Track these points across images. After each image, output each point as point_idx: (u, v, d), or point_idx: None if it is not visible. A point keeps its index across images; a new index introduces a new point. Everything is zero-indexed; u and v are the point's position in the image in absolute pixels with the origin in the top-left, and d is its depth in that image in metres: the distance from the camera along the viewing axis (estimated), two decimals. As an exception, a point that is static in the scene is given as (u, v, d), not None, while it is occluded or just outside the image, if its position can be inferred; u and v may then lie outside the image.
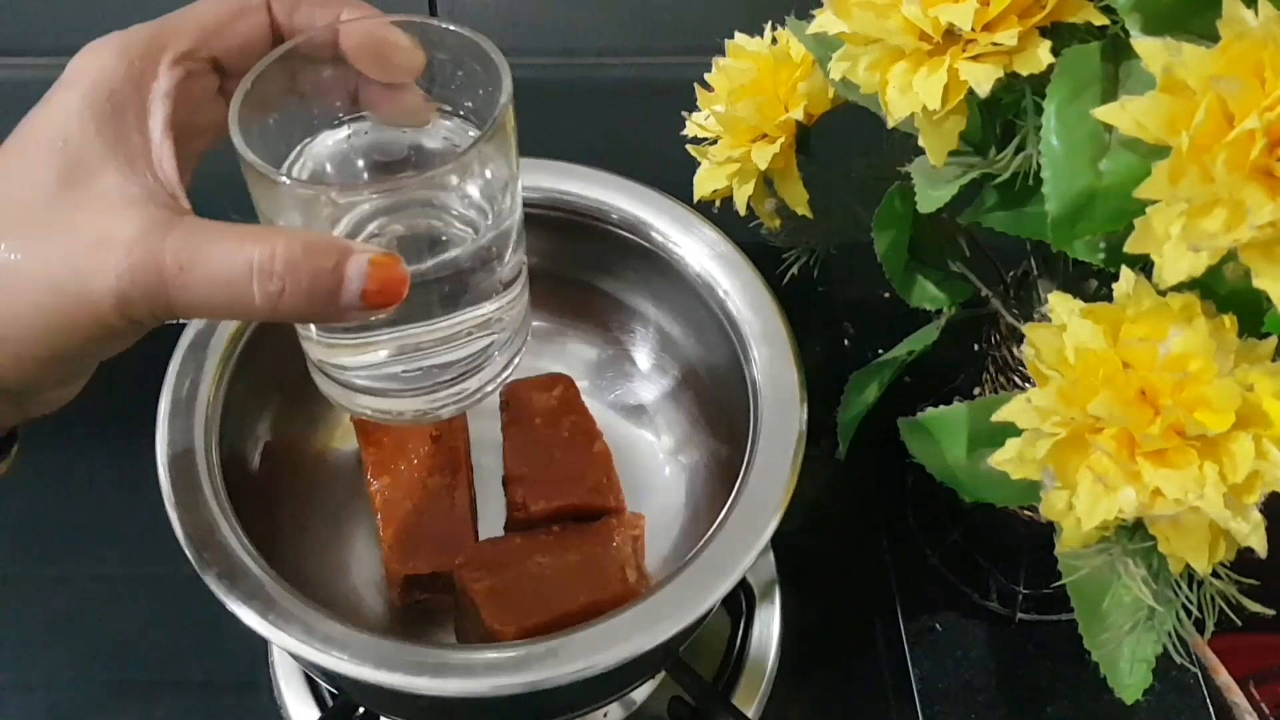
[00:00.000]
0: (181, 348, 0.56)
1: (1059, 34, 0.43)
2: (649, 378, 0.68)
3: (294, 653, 0.47)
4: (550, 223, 0.63)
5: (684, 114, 0.59)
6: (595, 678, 0.47)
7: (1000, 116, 0.49)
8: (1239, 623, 0.44)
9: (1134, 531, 0.43)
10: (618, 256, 0.63)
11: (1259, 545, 0.39)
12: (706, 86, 0.58)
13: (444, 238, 0.42)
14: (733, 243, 0.60)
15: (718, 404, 0.63)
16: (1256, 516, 0.38)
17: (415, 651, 0.47)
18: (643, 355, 0.68)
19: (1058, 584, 0.47)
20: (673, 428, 0.67)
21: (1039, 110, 0.43)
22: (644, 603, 0.49)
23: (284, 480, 0.62)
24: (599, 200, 0.62)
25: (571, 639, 0.47)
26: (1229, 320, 0.40)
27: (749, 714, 0.62)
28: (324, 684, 0.63)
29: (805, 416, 0.54)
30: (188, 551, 0.49)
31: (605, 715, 0.63)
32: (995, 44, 0.42)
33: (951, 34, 0.43)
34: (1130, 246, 0.38)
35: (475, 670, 0.47)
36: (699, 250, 0.60)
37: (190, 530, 0.50)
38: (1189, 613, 0.45)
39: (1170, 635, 0.46)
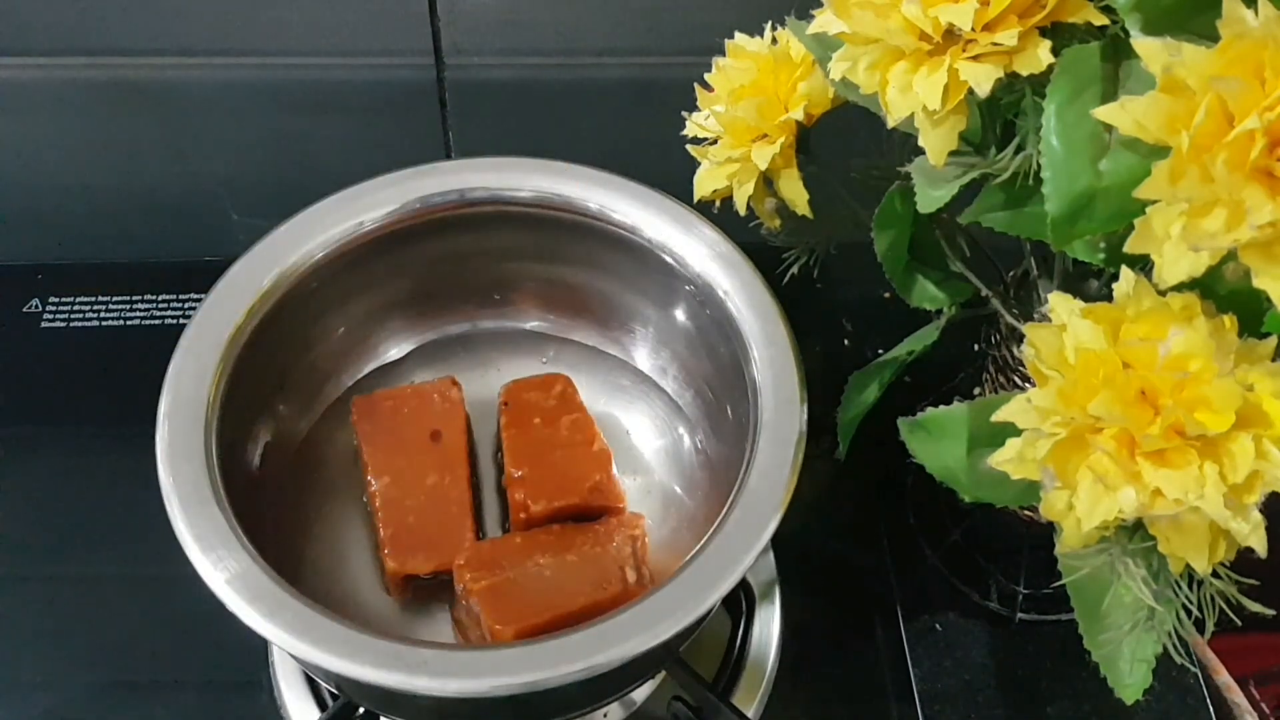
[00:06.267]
0: (182, 348, 0.56)
1: (1059, 34, 0.43)
2: (649, 378, 0.68)
3: (294, 653, 0.47)
4: (550, 223, 0.63)
5: (684, 114, 0.59)
6: (595, 678, 0.47)
7: (1000, 116, 0.49)
8: (1239, 623, 0.44)
9: (1134, 531, 0.43)
10: (617, 257, 0.63)
11: (1259, 545, 0.39)
12: (706, 86, 0.58)
13: None
14: (733, 243, 0.60)
15: (718, 404, 0.63)
16: (1256, 516, 0.39)
17: (415, 652, 0.47)
18: (643, 355, 0.68)
19: (1058, 584, 0.47)
20: (673, 427, 0.67)
21: (1039, 110, 0.43)
22: (644, 602, 0.49)
23: (284, 480, 0.62)
24: (599, 200, 0.62)
25: (571, 639, 0.47)
26: (1229, 320, 0.40)
27: (749, 714, 0.62)
28: (324, 684, 0.63)
29: (805, 416, 0.54)
30: (189, 552, 0.49)
31: (605, 715, 0.63)
32: (995, 44, 0.42)
33: (951, 34, 0.43)
34: (1130, 246, 0.38)
35: (475, 670, 0.47)
36: (699, 250, 0.60)
37: (191, 530, 0.49)
38: (1189, 613, 0.45)
39: (1170, 635, 0.46)
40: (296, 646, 0.47)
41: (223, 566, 0.49)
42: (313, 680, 0.64)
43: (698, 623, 0.50)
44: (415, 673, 0.46)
